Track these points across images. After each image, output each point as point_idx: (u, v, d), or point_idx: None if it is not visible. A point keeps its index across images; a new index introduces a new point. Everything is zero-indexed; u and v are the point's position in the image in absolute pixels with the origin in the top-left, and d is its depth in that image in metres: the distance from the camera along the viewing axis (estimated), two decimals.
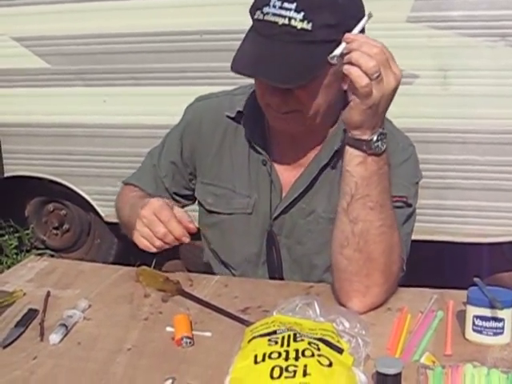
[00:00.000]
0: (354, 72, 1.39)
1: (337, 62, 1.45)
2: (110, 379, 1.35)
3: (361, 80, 1.38)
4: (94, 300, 1.69)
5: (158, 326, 1.55)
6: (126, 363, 1.41)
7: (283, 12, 1.52)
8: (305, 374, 1.14)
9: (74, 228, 4.55)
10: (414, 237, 3.23)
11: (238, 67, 1.58)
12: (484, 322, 1.39)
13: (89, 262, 2.16)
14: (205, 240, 2.02)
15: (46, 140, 4.07)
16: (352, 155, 1.52)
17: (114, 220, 4.06)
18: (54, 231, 4.60)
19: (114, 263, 2.84)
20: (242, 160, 1.86)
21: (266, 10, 1.54)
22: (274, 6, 1.53)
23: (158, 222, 1.65)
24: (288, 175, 1.84)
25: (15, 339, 1.52)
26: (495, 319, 1.39)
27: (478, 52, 3.19)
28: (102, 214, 4.13)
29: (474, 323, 1.41)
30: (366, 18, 1.54)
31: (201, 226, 1.99)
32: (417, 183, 1.83)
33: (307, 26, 1.51)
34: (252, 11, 1.61)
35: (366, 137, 1.48)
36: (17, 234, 4.50)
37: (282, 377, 1.15)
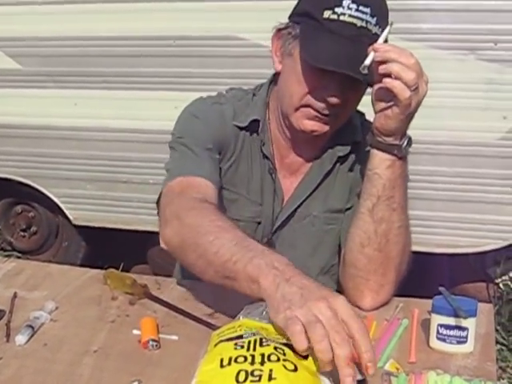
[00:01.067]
0: (397, 85, 1.43)
1: (367, 72, 1.47)
2: (76, 381, 1.36)
3: (404, 93, 1.43)
4: (61, 302, 1.69)
5: (125, 329, 1.56)
6: (92, 365, 1.41)
7: (360, 15, 1.57)
8: (270, 378, 1.15)
9: (42, 230, 4.53)
10: None
11: (320, 63, 1.58)
12: (448, 331, 1.41)
13: (56, 264, 2.15)
14: None
15: (16, 141, 4.05)
16: (382, 159, 1.57)
17: (82, 223, 4.07)
18: (22, 233, 4.57)
19: (81, 266, 2.83)
20: (257, 168, 1.86)
21: (339, 10, 1.57)
22: (350, 9, 1.56)
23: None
24: (286, 182, 1.86)
25: None
26: (459, 328, 1.40)
27: (448, 65, 3.22)
28: (71, 217, 4.11)
29: (438, 331, 1.42)
30: (389, 26, 1.57)
31: None
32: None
33: (378, 31, 1.59)
34: (317, 10, 1.60)
35: (397, 141, 1.55)
36: None
37: (248, 381, 1.15)
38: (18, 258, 3.88)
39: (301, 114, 1.69)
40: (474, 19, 3.14)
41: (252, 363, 1.19)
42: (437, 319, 1.43)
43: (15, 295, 1.74)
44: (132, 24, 3.52)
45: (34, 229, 4.54)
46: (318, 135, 1.73)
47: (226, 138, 1.82)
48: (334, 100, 1.62)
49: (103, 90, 3.73)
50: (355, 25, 1.57)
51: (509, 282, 3.66)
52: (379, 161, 1.57)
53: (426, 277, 3.13)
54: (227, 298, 1.67)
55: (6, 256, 2.45)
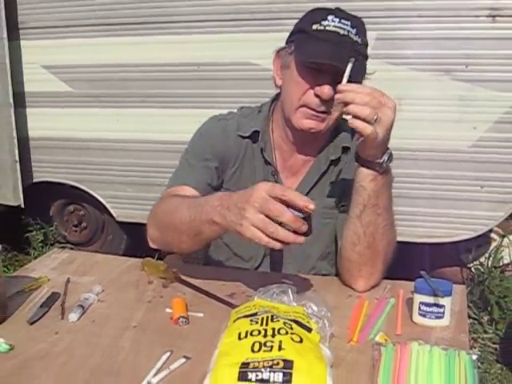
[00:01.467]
0: (358, 125, 1.42)
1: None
2: (119, 352, 1.36)
3: (366, 130, 1.42)
4: (106, 285, 1.69)
5: (159, 308, 1.56)
6: (132, 338, 1.41)
7: (342, 26, 1.61)
8: (280, 348, 1.15)
9: (91, 226, 4.54)
10: None
11: (310, 58, 1.63)
12: (428, 308, 1.41)
13: (102, 254, 2.15)
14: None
15: (68, 152, 4.07)
16: (366, 174, 1.54)
17: (124, 219, 4.08)
18: (74, 228, 4.59)
19: (123, 255, 2.83)
20: (259, 171, 1.85)
21: (325, 23, 1.62)
22: (334, 21, 1.62)
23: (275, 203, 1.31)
24: (288, 182, 1.85)
25: (40, 317, 1.52)
26: (437, 305, 1.40)
27: (427, 84, 3.22)
28: (114, 215, 4.12)
29: (419, 308, 1.42)
30: (350, 64, 1.54)
31: None
32: None
33: (358, 39, 1.62)
34: (307, 25, 1.65)
35: (378, 160, 1.52)
36: (43, 230, 4.48)
37: (261, 350, 1.15)
38: (71, 249, 3.88)
39: (300, 114, 1.70)
40: (449, 46, 3.14)
41: (265, 336, 1.20)
42: (418, 298, 1.42)
43: (68, 280, 1.74)
44: (164, 53, 3.53)
45: (83, 225, 4.56)
46: (315, 133, 1.73)
47: (229, 148, 1.84)
48: (325, 92, 1.62)
49: (140, 109, 3.73)
50: (338, 33, 1.60)
51: (479, 267, 3.65)
52: (364, 175, 1.55)
53: (410, 263, 3.12)
54: (244, 282, 1.68)
55: (61, 247, 2.46)
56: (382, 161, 1.52)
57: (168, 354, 1.32)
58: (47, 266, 1.87)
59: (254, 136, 1.84)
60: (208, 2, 3.41)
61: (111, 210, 4.13)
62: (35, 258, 2.63)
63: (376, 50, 3.19)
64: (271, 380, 1.09)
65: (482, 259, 3.68)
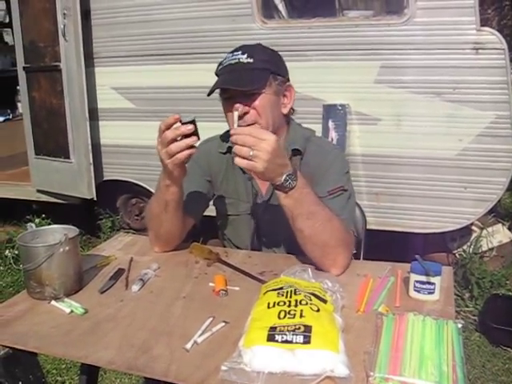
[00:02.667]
0: (237, 161, 1.41)
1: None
2: (171, 316, 1.37)
3: (241, 164, 1.40)
4: (161, 263, 1.70)
5: (204, 282, 1.56)
6: (182, 306, 1.42)
7: (234, 57, 1.65)
8: (301, 315, 1.16)
9: (145, 215, 4.56)
10: (376, 227, 3.25)
11: (213, 88, 1.65)
12: (421, 285, 1.39)
13: None
14: (221, 232, 1.97)
15: (132, 156, 4.09)
16: (278, 194, 1.50)
17: None
18: (136, 217, 4.60)
19: None
20: (239, 179, 1.83)
21: (223, 62, 1.67)
22: (228, 57, 1.66)
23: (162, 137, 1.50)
24: (263, 186, 1.82)
25: (109, 288, 1.55)
26: (429, 283, 1.39)
27: (421, 104, 3.19)
28: None
29: (414, 286, 1.40)
30: (236, 112, 1.54)
31: (219, 223, 1.96)
32: (347, 172, 1.77)
33: (250, 60, 1.61)
34: (216, 70, 1.70)
35: (278, 182, 1.45)
36: (111, 219, 4.52)
37: (286, 317, 1.16)
38: (133, 234, 3.90)
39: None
40: (439, 73, 3.11)
41: (289, 306, 1.21)
42: (414, 277, 1.41)
43: (131, 259, 1.75)
44: (206, 78, 3.50)
45: (143, 214, 4.56)
46: None
47: (212, 164, 1.85)
48: (239, 110, 1.60)
49: None
50: (231, 63, 1.63)
51: (462, 253, 3.62)
52: (278, 195, 1.50)
53: (407, 248, 3.11)
54: (272, 263, 1.68)
55: (125, 232, 2.48)
56: (281, 182, 1.45)
57: (210, 319, 1.32)
58: (114, 247, 1.89)
59: (230, 151, 1.81)
60: (238, 37, 3.37)
61: None
62: (104, 240, 2.65)
63: (380, 76, 3.20)
64: (294, 341, 1.10)
65: (465, 247, 3.64)
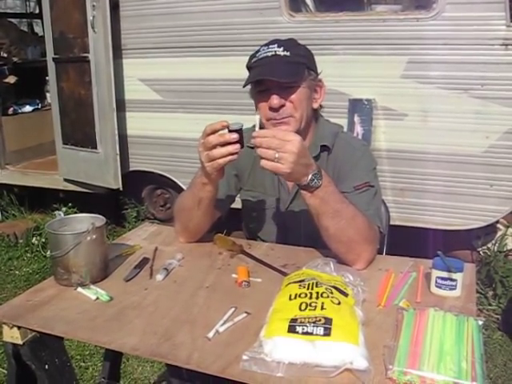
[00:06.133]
0: (263, 164, 1.41)
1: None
2: (194, 306, 1.39)
3: (266, 166, 1.40)
4: (185, 254, 1.73)
5: (227, 273, 1.58)
6: (205, 296, 1.44)
7: (270, 49, 1.65)
8: (322, 308, 1.17)
9: (174, 206, 4.58)
10: (399, 223, 3.24)
11: (249, 81, 1.66)
12: (443, 281, 1.40)
13: None
14: (246, 225, 1.98)
15: (158, 147, 4.12)
16: (303, 193, 1.49)
17: None
18: (161, 208, 4.64)
19: None
20: (266, 173, 1.78)
21: (258, 54, 1.66)
22: (263, 49, 1.66)
23: (205, 141, 1.50)
24: (290, 182, 1.82)
25: (134, 276, 1.57)
26: (451, 279, 1.39)
27: (448, 100, 3.16)
28: None
29: (436, 281, 1.41)
30: (258, 116, 1.53)
31: (245, 216, 1.97)
32: (374, 169, 1.77)
33: (287, 53, 1.62)
34: (249, 62, 1.70)
35: (304, 182, 1.45)
36: (136, 209, 4.57)
37: (307, 309, 1.17)
38: (158, 224, 3.94)
39: (269, 125, 1.68)
40: (468, 69, 3.09)
41: (310, 298, 1.21)
42: (436, 273, 1.41)
43: (156, 248, 1.78)
44: (231, 70, 3.50)
45: (168, 205, 4.59)
46: None
47: (240, 158, 1.76)
48: (274, 102, 1.62)
49: (214, 114, 3.74)
50: (267, 56, 1.63)
51: (486, 251, 3.59)
52: (303, 195, 1.49)
53: (430, 245, 3.10)
54: (294, 256, 1.69)
55: (150, 222, 2.51)
56: (307, 182, 1.44)
57: (233, 309, 1.34)
58: (140, 237, 1.92)
59: None
60: (265, 31, 3.38)
61: None
62: (129, 230, 2.68)
63: (407, 71, 3.18)
64: (314, 333, 1.11)
65: (489, 245, 3.62)
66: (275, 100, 1.62)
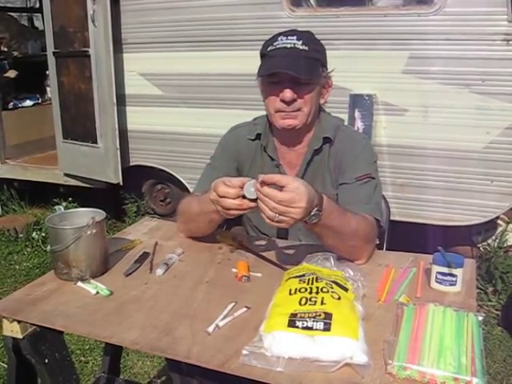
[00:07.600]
0: (270, 223, 1.37)
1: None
2: (194, 300, 1.39)
3: (270, 224, 1.37)
4: (186, 248, 1.73)
5: (227, 268, 1.58)
6: (205, 291, 1.44)
7: (289, 41, 1.63)
8: (322, 303, 1.17)
9: (174, 201, 4.57)
10: (399, 218, 3.23)
11: (266, 71, 1.65)
12: (443, 276, 1.40)
13: None
14: (247, 219, 1.97)
15: (159, 142, 4.12)
16: (306, 225, 1.43)
17: None
18: (161, 203, 4.65)
19: None
20: (267, 166, 1.84)
21: (275, 43, 1.65)
22: (282, 40, 1.64)
23: (220, 200, 1.46)
24: (290, 173, 1.82)
25: (134, 271, 1.57)
26: (451, 275, 1.39)
27: (449, 95, 3.16)
28: None
29: (436, 277, 1.41)
30: (254, 181, 1.41)
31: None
32: (375, 162, 1.77)
33: (306, 47, 1.62)
34: (264, 49, 1.68)
35: (305, 220, 1.39)
36: (136, 204, 4.57)
37: (307, 304, 1.17)
38: (158, 218, 3.95)
39: (277, 117, 1.70)
40: (469, 64, 3.08)
41: (310, 293, 1.21)
42: (436, 268, 1.41)
43: (156, 243, 1.78)
44: (234, 65, 3.51)
45: (168, 200, 4.60)
46: (294, 128, 1.71)
47: (241, 151, 1.85)
48: (287, 95, 1.62)
49: (216, 109, 3.76)
50: (286, 47, 1.62)
51: (487, 247, 3.60)
52: (306, 225, 1.44)
53: (430, 240, 3.10)
54: (295, 250, 1.69)
55: (151, 217, 2.50)
56: (309, 220, 1.40)
57: (233, 304, 1.34)
58: (140, 231, 1.92)
59: (258, 137, 1.85)
60: (266, 25, 3.36)
61: (191, 190, 4.15)
62: (130, 224, 2.68)
63: (408, 66, 3.18)
64: (314, 328, 1.11)
65: (490, 241, 3.62)
66: (288, 93, 1.63)
